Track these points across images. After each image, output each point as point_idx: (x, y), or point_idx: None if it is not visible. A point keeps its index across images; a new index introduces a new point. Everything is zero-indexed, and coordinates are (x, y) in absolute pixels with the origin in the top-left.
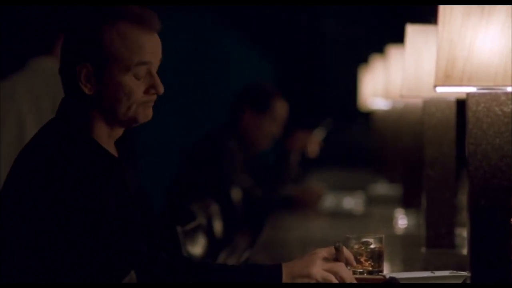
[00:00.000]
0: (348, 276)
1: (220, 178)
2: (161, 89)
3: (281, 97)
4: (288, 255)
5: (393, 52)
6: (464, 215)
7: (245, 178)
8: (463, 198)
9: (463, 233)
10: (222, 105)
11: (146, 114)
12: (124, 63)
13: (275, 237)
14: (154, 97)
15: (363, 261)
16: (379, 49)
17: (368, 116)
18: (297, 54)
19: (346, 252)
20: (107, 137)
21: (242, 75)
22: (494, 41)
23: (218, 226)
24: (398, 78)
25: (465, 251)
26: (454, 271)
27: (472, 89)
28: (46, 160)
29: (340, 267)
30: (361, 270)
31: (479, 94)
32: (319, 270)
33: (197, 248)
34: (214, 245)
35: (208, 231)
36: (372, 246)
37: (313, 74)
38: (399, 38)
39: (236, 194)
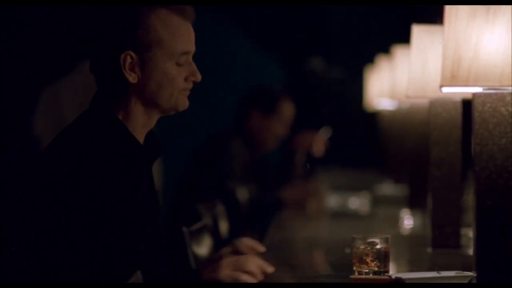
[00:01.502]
0: (255, 265)
1: (226, 178)
2: (199, 76)
3: (288, 99)
4: (294, 255)
5: (399, 52)
6: (470, 215)
7: (249, 179)
8: (469, 198)
9: (469, 233)
10: (229, 106)
11: (184, 102)
12: (168, 50)
13: (281, 237)
14: (191, 85)
15: (369, 262)
16: (385, 49)
17: (374, 116)
18: (304, 55)
19: (245, 242)
20: (142, 126)
21: (249, 76)
22: (499, 42)
23: (223, 227)
24: (404, 78)
25: (471, 251)
26: (460, 271)
27: (478, 89)
28: (76, 148)
29: (245, 260)
30: (367, 271)
31: (485, 94)
32: (226, 272)
33: (203, 248)
34: (219, 246)
35: (214, 231)
36: (378, 247)
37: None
38: (405, 38)
39: (241, 194)
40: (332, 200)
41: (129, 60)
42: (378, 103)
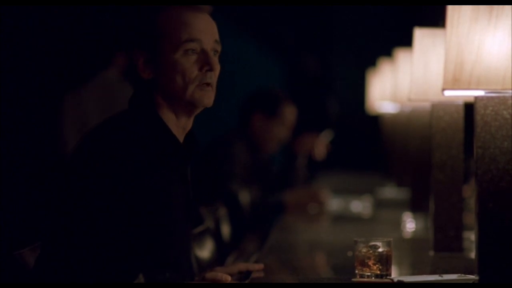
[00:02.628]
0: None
1: (228, 181)
2: (215, 66)
3: (291, 102)
4: (296, 258)
5: (401, 55)
6: (472, 219)
7: (251, 182)
8: (471, 202)
9: (471, 236)
10: (232, 109)
11: (203, 98)
12: (172, 40)
13: (283, 241)
14: (209, 76)
15: (371, 265)
16: (387, 52)
17: (376, 120)
18: (306, 58)
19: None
20: (175, 126)
21: (252, 79)
22: (502, 45)
23: (226, 230)
24: (406, 81)
25: (473, 254)
26: (462, 275)
27: (480, 93)
28: (114, 141)
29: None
30: (369, 274)
31: (487, 97)
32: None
33: (205, 251)
34: (222, 249)
35: (216, 234)
36: (380, 250)
37: (321, 78)
38: (407, 41)
39: (244, 197)
40: (335, 203)
41: (140, 58)
42: (380, 106)
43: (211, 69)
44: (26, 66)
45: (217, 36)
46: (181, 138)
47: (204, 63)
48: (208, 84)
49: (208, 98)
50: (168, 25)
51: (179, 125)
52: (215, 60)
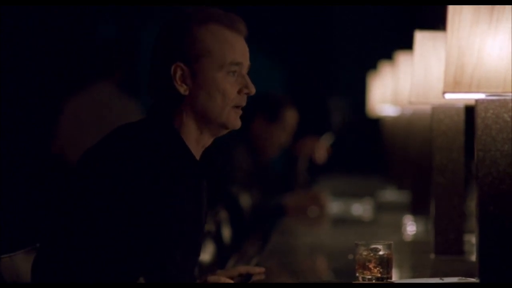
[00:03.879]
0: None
1: (229, 185)
2: (253, 89)
3: (292, 107)
4: (297, 261)
5: (401, 58)
6: (473, 222)
7: (252, 185)
8: (472, 205)
9: (472, 239)
10: None
11: (236, 121)
12: (217, 60)
13: (284, 244)
14: (245, 100)
15: (372, 268)
16: (388, 55)
17: (377, 123)
18: (306, 61)
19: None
20: (195, 142)
21: (253, 83)
22: (502, 48)
23: (226, 233)
24: (407, 84)
25: (474, 257)
26: (463, 278)
27: (480, 96)
28: (129, 152)
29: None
30: (370, 277)
31: (488, 100)
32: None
33: (206, 255)
34: (222, 252)
35: (217, 237)
36: (380, 253)
37: (322, 79)
38: (408, 44)
39: (244, 200)
40: (335, 207)
41: (179, 72)
42: (381, 109)
43: (249, 93)
44: (26, 66)
45: (249, 62)
46: (198, 154)
47: (244, 86)
48: (241, 107)
49: (239, 122)
50: (213, 42)
51: (200, 142)
52: (252, 85)
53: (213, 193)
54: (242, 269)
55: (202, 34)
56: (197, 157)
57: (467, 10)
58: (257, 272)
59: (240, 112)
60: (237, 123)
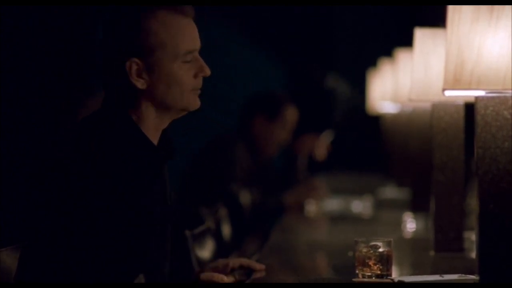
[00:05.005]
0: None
1: (229, 182)
2: (208, 71)
3: (292, 105)
4: (297, 259)
5: (401, 55)
6: (472, 219)
7: (252, 183)
8: (472, 202)
9: (471, 237)
10: (233, 111)
11: (195, 102)
12: (171, 51)
13: (284, 241)
14: (201, 82)
15: (372, 265)
16: (388, 53)
17: (376, 120)
18: (306, 57)
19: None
20: (154, 129)
21: (253, 81)
22: (502, 45)
23: (226, 230)
24: (407, 82)
25: (473, 255)
26: (463, 275)
27: (480, 93)
28: (89, 148)
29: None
30: (369, 274)
31: (488, 97)
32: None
33: (206, 252)
34: (222, 249)
35: (217, 235)
36: (380, 250)
37: (322, 76)
38: (407, 42)
39: (244, 198)
40: (335, 204)
41: (134, 67)
42: (381, 106)
43: (205, 75)
44: (26, 66)
45: (200, 43)
46: (157, 138)
47: (199, 70)
48: (200, 89)
49: (198, 101)
50: (165, 34)
51: (159, 128)
52: (207, 66)
53: (213, 190)
54: (244, 261)
55: (153, 26)
56: (155, 142)
57: (467, 7)
58: (258, 268)
59: (197, 92)
60: (197, 104)
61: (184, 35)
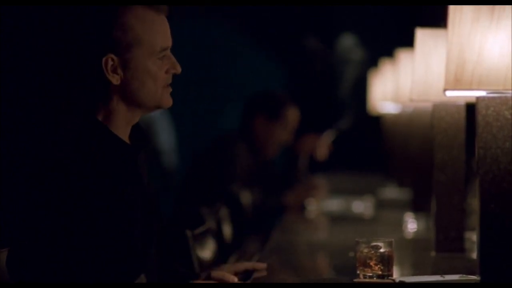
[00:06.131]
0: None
1: (230, 182)
2: (179, 68)
3: (293, 106)
4: (298, 259)
5: (402, 56)
6: (473, 219)
7: (253, 183)
8: (472, 202)
9: (472, 237)
10: (234, 111)
11: (168, 100)
12: (148, 48)
13: (284, 241)
14: (171, 78)
15: (373, 265)
16: (389, 53)
17: (377, 120)
18: (307, 58)
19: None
20: (125, 125)
21: (254, 81)
22: (503, 45)
23: (227, 230)
24: (408, 82)
25: (475, 255)
26: (464, 275)
27: (481, 93)
28: (59, 152)
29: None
30: (370, 274)
31: (489, 98)
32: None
33: (207, 252)
34: (223, 249)
35: (218, 235)
36: (381, 250)
37: (323, 78)
38: (409, 42)
39: (245, 198)
40: (336, 204)
41: (110, 62)
42: (381, 106)
43: (176, 73)
44: (26, 66)
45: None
46: (127, 133)
47: (170, 66)
48: (170, 85)
49: (171, 99)
50: (143, 30)
51: (130, 123)
52: (178, 63)
53: (214, 190)
54: (248, 265)
55: (131, 22)
56: (127, 136)
57: (468, 7)
58: (261, 268)
59: (170, 89)
60: (169, 102)
61: (159, 32)
